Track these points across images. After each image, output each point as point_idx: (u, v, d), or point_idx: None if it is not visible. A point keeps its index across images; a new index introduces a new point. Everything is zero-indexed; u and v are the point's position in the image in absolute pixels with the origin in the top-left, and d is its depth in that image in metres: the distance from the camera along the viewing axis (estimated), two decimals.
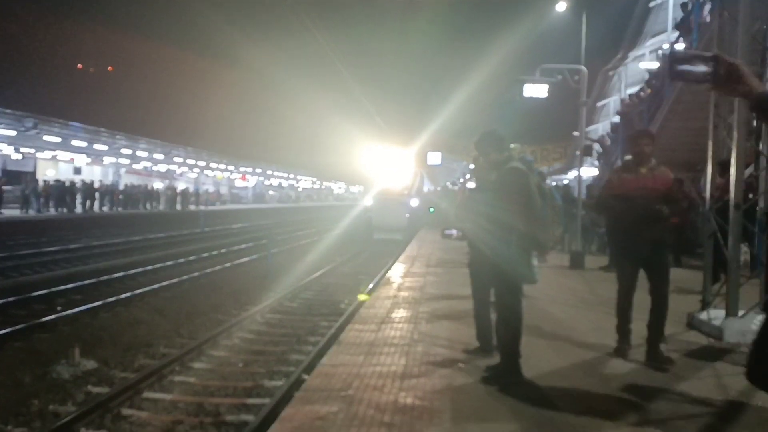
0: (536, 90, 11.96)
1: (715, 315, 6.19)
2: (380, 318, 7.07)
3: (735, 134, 5.68)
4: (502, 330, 4.60)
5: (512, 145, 10.12)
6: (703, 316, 6.33)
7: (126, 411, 6.47)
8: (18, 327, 9.70)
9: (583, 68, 12.44)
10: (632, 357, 5.43)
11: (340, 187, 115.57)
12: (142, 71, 60.88)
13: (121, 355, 8.70)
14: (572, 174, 21.64)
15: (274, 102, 74.60)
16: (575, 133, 25.10)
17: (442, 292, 9.10)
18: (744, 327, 5.77)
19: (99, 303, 11.74)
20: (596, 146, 28.11)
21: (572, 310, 8.09)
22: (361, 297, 11.35)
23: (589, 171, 28.80)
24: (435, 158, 33.20)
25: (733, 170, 5.73)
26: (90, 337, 9.44)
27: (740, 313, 5.98)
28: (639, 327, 5.43)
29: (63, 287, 13.23)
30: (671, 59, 2.05)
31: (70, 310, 11.17)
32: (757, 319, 5.70)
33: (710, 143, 6.22)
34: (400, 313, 7.46)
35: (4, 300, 11.69)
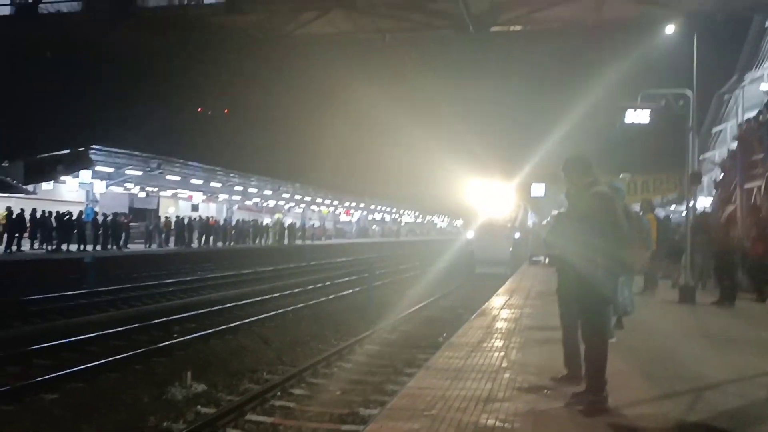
0: (638, 116, 11.62)
1: None
2: (471, 346, 7.08)
3: None
4: (587, 353, 4.52)
5: (621, 175, 9.88)
6: None
7: (230, 431, 6.81)
8: (138, 351, 10.49)
9: (689, 92, 11.95)
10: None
11: (442, 221, 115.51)
12: (255, 113, 64.37)
13: (229, 379, 9.17)
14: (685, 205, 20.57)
15: (378, 138, 76.37)
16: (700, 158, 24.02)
17: (537, 323, 8.95)
18: None
19: (211, 331, 12.44)
20: (713, 175, 26.61)
21: (672, 341, 7.71)
22: None
23: (706, 201, 27.23)
24: (539, 190, 32.55)
25: None
26: (201, 362, 10.01)
27: None
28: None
29: (179, 316, 14.15)
30: None
31: (184, 336, 11.92)
32: None
33: None
34: (491, 342, 7.43)
35: (128, 326, 12.67)
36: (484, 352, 6.78)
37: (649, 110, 11.47)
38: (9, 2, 13.36)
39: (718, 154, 26.23)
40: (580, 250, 4.47)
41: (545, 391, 5.10)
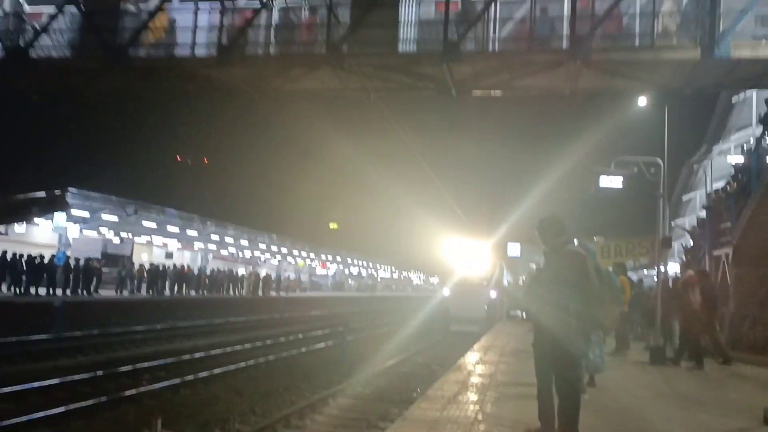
0: (611, 182, 12.06)
1: None
2: (447, 399, 7.14)
3: None
4: (561, 407, 4.66)
5: (595, 239, 10.21)
6: None
7: None
8: (107, 398, 10.29)
9: (659, 161, 12.47)
10: None
11: (418, 277, 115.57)
12: (233, 163, 64.82)
13: (200, 429, 9.03)
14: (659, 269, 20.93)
15: (355, 194, 77.05)
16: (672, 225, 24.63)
17: (511, 379, 9.05)
18: None
19: (180, 380, 12.25)
20: (683, 241, 27.29)
21: (642, 401, 7.88)
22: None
23: (677, 267, 27.83)
24: (515, 250, 33.02)
25: None
26: (171, 412, 9.84)
27: None
28: None
29: (149, 364, 13.92)
30: None
31: (154, 385, 11.72)
32: None
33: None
34: (466, 396, 7.49)
35: (95, 373, 12.43)
36: (460, 404, 6.85)
37: (622, 177, 11.92)
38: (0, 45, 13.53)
39: (688, 221, 27.01)
40: (553, 310, 4.66)
41: None
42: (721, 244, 17.90)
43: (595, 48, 11.38)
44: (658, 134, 14.34)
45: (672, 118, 14.40)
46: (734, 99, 18.82)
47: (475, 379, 9.06)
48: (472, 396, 7.52)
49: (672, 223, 24.65)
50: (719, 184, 21.51)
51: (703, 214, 21.72)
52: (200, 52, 12.95)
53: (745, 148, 19.58)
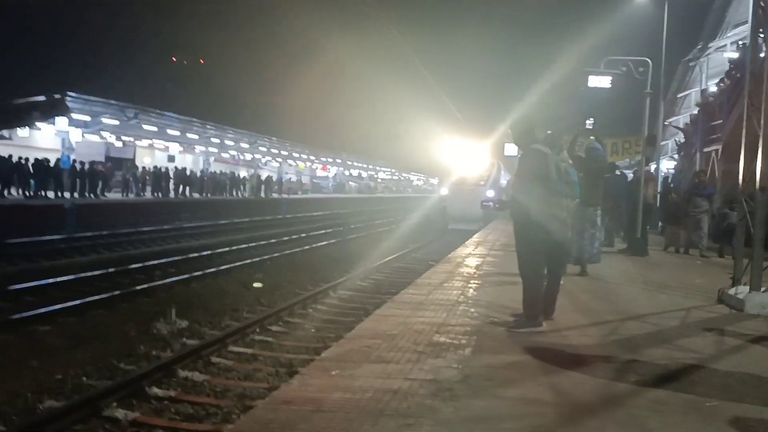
0: (600, 81, 12.29)
1: (741, 290, 6.65)
2: (433, 286, 7.88)
3: (762, 122, 6.04)
4: (525, 285, 5.36)
5: (591, 138, 10.62)
6: (731, 291, 6.80)
7: (215, 359, 7.54)
8: (123, 291, 11.12)
9: (648, 60, 12.62)
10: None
11: (418, 179, 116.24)
12: (231, 64, 63.75)
13: (211, 317, 9.85)
14: (653, 166, 21.33)
15: (355, 95, 76.23)
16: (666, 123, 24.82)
17: (495, 270, 9.79)
18: (764, 300, 6.22)
19: (191, 275, 13.08)
20: (678, 138, 27.57)
21: (610, 286, 8.68)
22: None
23: (669, 164, 28.31)
24: (511, 149, 33.28)
25: (759, 156, 6.13)
26: (184, 302, 10.65)
27: (763, 288, 6.41)
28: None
29: (159, 261, 14.75)
30: None
31: (166, 279, 12.55)
32: None
33: (743, 132, 6.58)
34: (452, 283, 8.25)
35: (111, 269, 13.26)
36: (444, 290, 7.58)
37: (610, 77, 12.14)
38: None
39: (683, 119, 27.15)
40: (521, 200, 5.26)
41: (493, 318, 5.90)
42: (712, 140, 18.27)
43: None
44: (654, 35, 14.39)
45: (670, 15, 14.39)
46: None
47: (462, 270, 9.81)
48: (457, 283, 8.25)
49: (666, 121, 24.82)
50: (714, 81, 21.54)
51: (696, 111, 21.92)
52: None
53: (740, 44, 19.47)
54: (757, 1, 8.93)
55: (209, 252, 16.85)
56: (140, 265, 14.07)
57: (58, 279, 11.93)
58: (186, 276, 12.96)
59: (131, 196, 31.92)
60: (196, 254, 16.26)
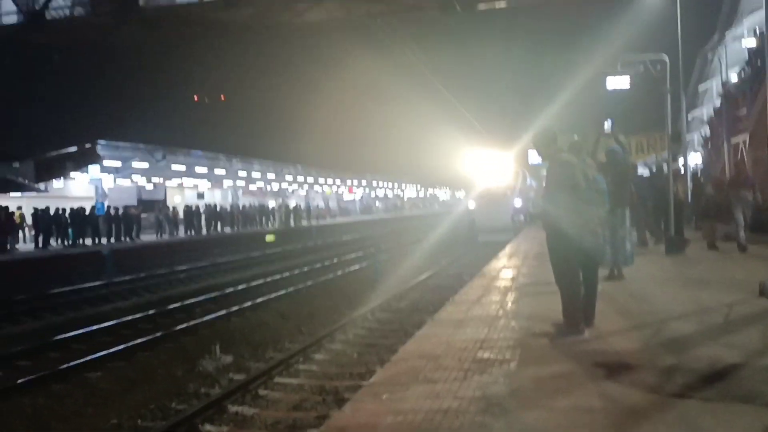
0: (619, 82, 12.27)
1: None
2: (471, 302, 7.92)
3: None
4: (562, 294, 5.39)
5: (621, 138, 10.63)
6: None
7: (262, 392, 7.67)
8: (166, 332, 11.35)
9: (664, 56, 12.57)
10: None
11: (445, 193, 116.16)
12: (250, 96, 64.84)
13: (254, 350, 10.01)
14: (681, 162, 21.12)
15: (377, 116, 76.86)
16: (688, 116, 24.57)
17: (531, 280, 9.76)
18: None
19: (231, 310, 13.29)
20: (703, 131, 27.22)
21: (651, 286, 8.60)
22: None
23: (697, 157, 27.92)
24: (536, 156, 33.13)
25: None
26: (227, 338, 10.82)
27: None
28: None
29: (198, 299, 15.01)
30: None
31: (207, 317, 12.77)
32: None
33: None
34: (489, 298, 8.27)
35: (152, 311, 13.55)
36: (483, 305, 7.62)
37: (629, 76, 12.12)
38: (17, 10, 13.95)
39: (706, 111, 26.82)
40: (551, 211, 5.33)
41: (534, 331, 5.93)
42: (738, 130, 18.02)
43: None
44: (669, 28, 14.32)
45: (684, 7, 14.32)
46: None
47: (498, 283, 9.82)
48: (495, 297, 8.28)
49: (689, 114, 24.54)
50: (735, 71, 21.27)
51: (719, 102, 21.65)
52: None
53: (757, 31, 19.24)
54: None
55: (245, 285, 17.08)
56: (180, 304, 14.35)
57: (103, 325, 12.22)
58: (225, 311, 13.17)
59: (165, 236, 32.52)
60: (232, 289, 16.51)
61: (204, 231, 35.14)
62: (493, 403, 3.86)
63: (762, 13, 18.30)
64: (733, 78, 20.49)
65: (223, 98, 73.79)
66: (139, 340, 10.72)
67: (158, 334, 11.19)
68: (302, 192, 62.86)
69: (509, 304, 7.62)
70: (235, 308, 13.47)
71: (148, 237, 31.30)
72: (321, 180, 62.64)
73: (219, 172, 42.93)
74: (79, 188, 33.24)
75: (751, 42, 19.50)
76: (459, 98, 32.65)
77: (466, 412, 3.74)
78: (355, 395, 4.58)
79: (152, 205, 37.67)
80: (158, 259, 25.90)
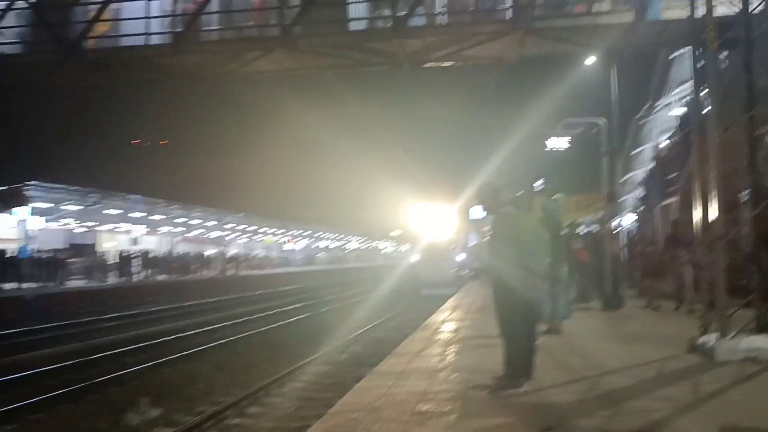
0: (558, 143, 12.77)
1: (711, 338, 6.82)
2: (413, 354, 7.86)
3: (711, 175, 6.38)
4: (505, 345, 5.41)
5: (555, 196, 10.97)
6: (701, 340, 6.98)
7: None
8: (91, 382, 10.73)
9: (601, 120, 13.21)
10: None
11: (387, 247, 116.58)
12: (194, 143, 64.17)
13: (184, 403, 9.55)
14: (615, 222, 21.87)
15: (323, 168, 77.13)
16: (622, 180, 25.71)
17: (474, 333, 9.81)
18: (732, 347, 6.41)
19: (162, 360, 12.72)
20: (636, 193, 28.45)
21: (587, 341, 8.76)
22: None
23: (631, 218, 29.09)
24: (477, 212, 33.77)
25: (715, 208, 6.44)
26: (156, 390, 10.33)
27: (731, 335, 6.62)
28: None
29: (128, 348, 14.33)
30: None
31: (136, 366, 12.17)
32: (746, 340, 6.39)
33: (697, 184, 6.92)
34: (431, 350, 8.22)
35: (78, 360, 12.82)
36: (424, 357, 7.57)
37: (568, 137, 12.63)
38: None
39: (640, 174, 28.16)
40: (496, 262, 5.40)
41: (474, 383, 5.90)
42: (669, 193, 18.90)
43: (537, 16, 11.98)
44: (608, 94, 15.08)
45: (620, 77, 15.13)
46: (672, 55, 19.72)
47: (440, 336, 9.80)
48: (436, 350, 8.24)
49: (624, 177, 25.70)
50: (666, 137, 22.51)
51: (651, 166, 22.79)
52: (154, 40, 13.13)
53: (685, 101, 20.53)
54: (695, 60, 9.51)
55: (178, 335, 16.46)
56: (108, 353, 13.65)
57: (23, 374, 11.48)
58: (156, 362, 12.59)
59: (94, 282, 31.25)
60: (164, 338, 15.87)
61: (137, 278, 33.95)
62: None
63: (689, 83, 19.56)
64: (665, 143, 21.65)
65: (165, 143, 72.67)
66: (60, 391, 10.08)
67: (82, 384, 10.55)
68: (242, 240, 61.90)
69: (450, 357, 7.58)
70: (166, 358, 12.90)
71: (77, 282, 30.00)
72: (263, 229, 61.89)
73: (156, 217, 41.87)
74: (5, 230, 31.72)
75: (679, 111, 20.78)
76: (405, 152, 33.22)
77: None
78: None
79: (83, 249, 36.27)
80: (86, 306, 24.82)
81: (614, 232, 14.69)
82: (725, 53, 10.21)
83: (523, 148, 23.30)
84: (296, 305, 25.30)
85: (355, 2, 12.70)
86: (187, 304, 26.14)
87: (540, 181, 14.20)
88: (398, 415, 4.80)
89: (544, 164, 21.92)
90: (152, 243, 46.95)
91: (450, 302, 17.01)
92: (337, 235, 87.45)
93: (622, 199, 25.33)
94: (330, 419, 4.83)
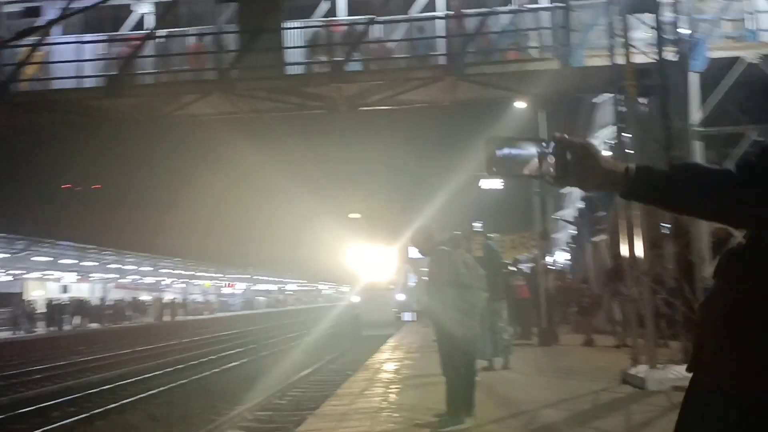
0: (491, 183, 13.21)
1: (641, 369, 7.13)
2: (355, 394, 7.84)
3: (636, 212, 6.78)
4: (448, 384, 5.52)
5: (492, 235, 11.28)
6: (633, 371, 7.28)
7: None
8: None
9: None
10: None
11: (328, 288, 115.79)
12: (127, 187, 62.59)
13: None
14: (549, 259, 22.53)
15: (260, 208, 76.46)
16: (553, 216, 26.66)
17: (415, 372, 9.88)
18: (662, 377, 6.71)
19: (94, 412, 12.17)
20: (568, 230, 29.46)
21: (525, 377, 8.95)
22: None
23: (563, 255, 30.06)
24: (416, 252, 34.07)
25: (640, 244, 6.84)
26: None
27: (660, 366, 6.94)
28: None
29: (56, 401, 13.64)
30: (487, 146, 1.42)
31: (64, 420, 11.60)
32: (674, 369, 6.70)
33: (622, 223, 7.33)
34: (373, 390, 8.24)
35: (1, 416, 12.11)
36: (366, 397, 7.57)
37: (502, 179, 13.05)
38: None
39: (570, 213, 29.24)
40: (434, 303, 5.56)
41: (416, 421, 5.95)
42: (598, 231, 19.68)
43: (468, 62, 12.49)
44: (538, 135, 15.71)
45: (549, 120, 15.82)
46: (595, 100, 20.78)
47: (381, 375, 9.82)
48: (378, 389, 8.26)
49: (556, 215, 26.60)
50: None
51: (581, 205, 23.73)
52: (87, 83, 12.96)
53: (605, 143, 21.58)
54: (617, 104, 10.13)
55: (111, 385, 15.80)
56: (35, 407, 12.97)
57: None
58: (87, 414, 12.04)
59: (21, 333, 29.71)
60: (96, 389, 15.20)
61: (67, 327, 32.49)
62: None
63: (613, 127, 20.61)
64: None
65: (97, 187, 70.57)
66: None
67: None
68: (179, 285, 60.26)
69: (392, 396, 7.62)
70: (98, 410, 12.36)
71: (2, 334, 28.46)
72: (199, 273, 60.50)
73: (88, 264, 40.37)
74: None
75: (604, 153, 21.65)
76: (343, 192, 33.40)
77: None
78: None
79: (9, 298, 34.52)
80: (11, 357, 23.54)
81: (548, 269, 15.17)
82: (644, 99, 10.88)
83: (460, 189, 23.91)
84: (235, 350, 24.71)
85: (292, 48, 12.91)
86: (121, 352, 25.15)
87: (478, 223, 14.55)
88: None
89: (480, 205, 22.53)
90: (84, 290, 45.14)
91: (390, 342, 17.04)
92: (276, 278, 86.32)
93: (554, 236, 26.19)
94: None
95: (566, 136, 1.40)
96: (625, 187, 1.39)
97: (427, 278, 5.98)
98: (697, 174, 1.40)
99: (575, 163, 1.37)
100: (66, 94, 13.06)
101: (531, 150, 1.41)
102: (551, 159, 1.39)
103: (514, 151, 1.41)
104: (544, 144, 1.40)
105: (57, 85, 13.29)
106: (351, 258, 32.36)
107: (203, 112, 13.94)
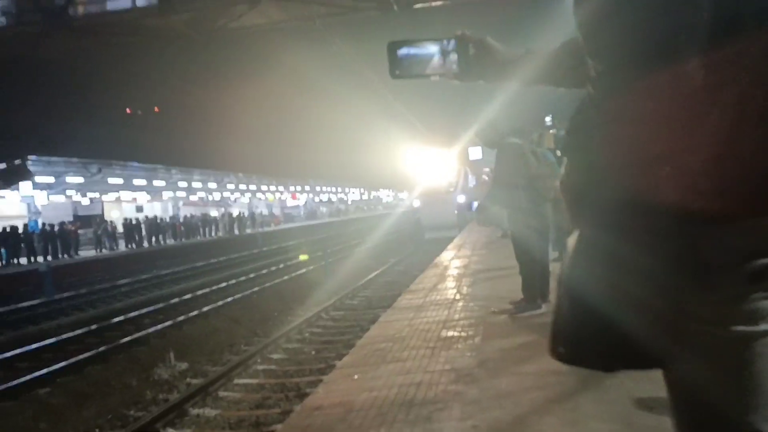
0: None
1: None
2: (428, 289, 8.08)
3: None
4: (522, 271, 5.60)
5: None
6: None
7: (223, 393, 7.58)
8: (115, 344, 11.01)
9: None
10: None
11: (388, 195, 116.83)
12: (187, 107, 63.41)
13: (209, 355, 9.87)
14: None
15: (318, 118, 76.50)
16: None
17: (484, 267, 10.02)
18: None
19: (181, 319, 13.00)
20: None
21: None
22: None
23: None
24: (476, 153, 33.73)
25: None
26: (180, 346, 10.62)
27: None
28: None
29: (146, 309, 14.62)
30: (389, 50, 1.46)
31: (156, 326, 12.45)
32: None
33: None
34: (445, 284, 8.45)
35: (99, 324, 13.12)
36: (440, 291, 7.79)
37: None
38: None
39: None
40: (505, 194, 5.54)
41: (492, 309, 6.10)
42: None
43: None
44: None
45: None
46: None
47: (451, 271, 10.02)
48: (450, 284, 8.46)
49: None
50: None
51: None
52: (140, 3, 12.97)
53: None
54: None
55: (192, 295, 16.74)
56: (127, 316, 13.94)
57: (47, 342, 11.77)
58: (175, 321, 12.86)
59: (105, 251, 31.54)
60: (178, 299, 16.15)
61: (145, 244, 34.25)
62: (463, 374, 3.97)
63: None
64: None
65: (157, 110, 72.06)
66: (87, 354, 10.35)
67: (107, 346, 10.83)
68: (245, 200, 62.06)
69: (465, 289, 7.80)
70: (185, 317, 13.18)
71: (87, 253, 30.29)
72: (264, 187, 61.96)
73: (158, 183, 41.89)
74: (10, 206, 31.87)
75: None
76: (400, 97, 32.88)
77: (438, 383, 3.83)
78: (325, 377, 4.61)
79: (89, 220, 36.47)
80: (99, 274, 25.15)
81: None
82: None
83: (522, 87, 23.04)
84: (303, 257, 25.57)
85: None
86: (197, 264, 26.46)
87: (549, 118, 14.07)
88: (424, 342, 5.01)
89: (545, 102, 21.78)
90: (157, 209, 47.16)
91: (456, 240, 17.24)
92: (337, 188, 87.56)
93: None
94: (359, 350, 5.05)
95: (466, 32, 1.41)
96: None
97: (493, 175, 5.92)
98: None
99: (477, 57, 1.40)
100: (121, 15, 13.12)
101: (432, 49, 1.43)
102: (453, 56, 1.42)
103: (414, 51, 1.44)
104: (445, 42, 1.43)
105: (111, 6, 13.33)
106: (411, 163, 32.34)
107: (256, 22, 13.79)
